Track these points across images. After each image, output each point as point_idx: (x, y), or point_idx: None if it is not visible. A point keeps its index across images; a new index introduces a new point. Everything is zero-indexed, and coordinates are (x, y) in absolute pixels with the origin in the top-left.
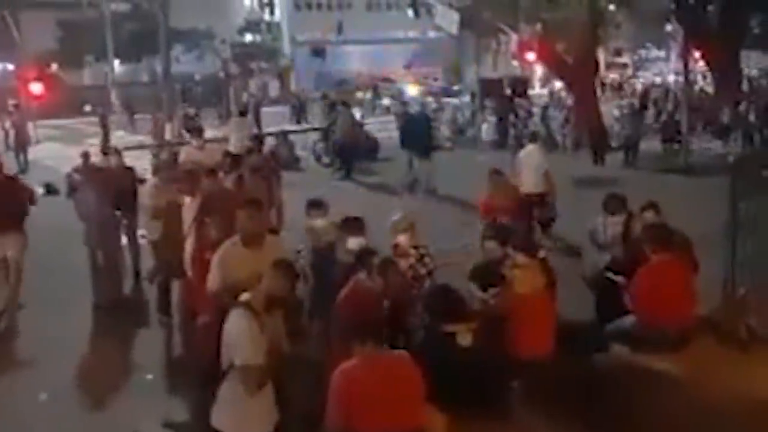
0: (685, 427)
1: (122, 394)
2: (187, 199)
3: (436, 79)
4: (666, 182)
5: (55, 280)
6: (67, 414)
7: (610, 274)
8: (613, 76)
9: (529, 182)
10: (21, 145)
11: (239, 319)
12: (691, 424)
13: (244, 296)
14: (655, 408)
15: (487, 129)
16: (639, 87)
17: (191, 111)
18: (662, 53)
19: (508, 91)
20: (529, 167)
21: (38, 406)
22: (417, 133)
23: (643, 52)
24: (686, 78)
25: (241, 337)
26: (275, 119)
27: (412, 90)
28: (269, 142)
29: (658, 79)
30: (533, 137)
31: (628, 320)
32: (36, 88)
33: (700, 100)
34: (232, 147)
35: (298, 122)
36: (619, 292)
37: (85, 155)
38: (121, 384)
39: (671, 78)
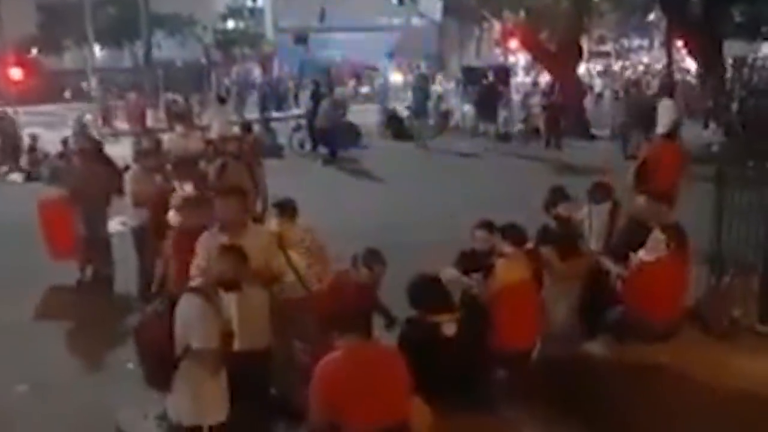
0: (668, 417)
1: (102, 383)
2: (186, 187)
3: (418, 67)
4: None
5: (31, 267)
6: (47, 405)
7: (607, 263)
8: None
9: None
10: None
11: (193, 304)
12: (674, 415)
13: (195, 281)
14: (638, 398)
15: (469, 117)
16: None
17: (175, 97)
18: (645, 42)
19: (491, 79)
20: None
21: (16, 397)
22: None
23: (626, 41)
24: (669, 67)
25: (197, 320)
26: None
27: (396, 78)
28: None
29: (640, 67)
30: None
31: (616, 311)
32: (15, 73)
33: (684, 89)
34: (214, 134)
35: (280, 109)
36: (605, 281)
37: (65, 141)
38: (101, 373)
39: (654, 67)
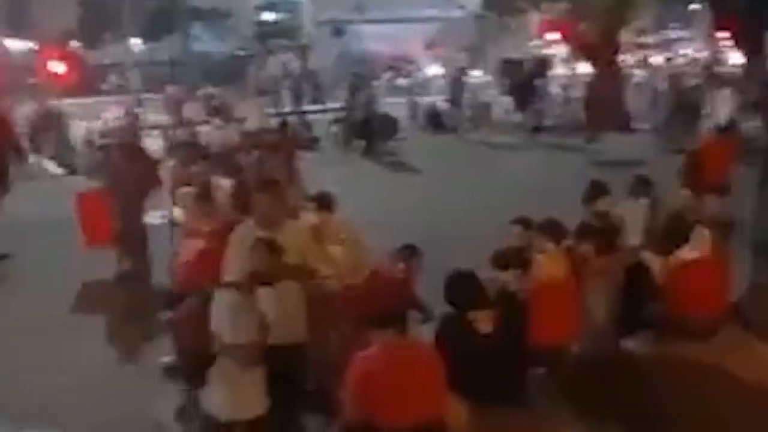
0: (708, 415)
1: (139, 375)
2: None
3: (457, 59)
4: None
5: (70, 261)
6: (86, 396)
7: (649, 259)
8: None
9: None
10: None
11: (226, 298)
12: (715, 414)
13: (229, 276)
14: (679, 396)
15: (508, 109)
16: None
17: (212, 90)
18: (687, 33)
19: (529, 71)
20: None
21: (57, 389)
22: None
23: (667, 32)
24: (712, 58)
25: (229, 315)
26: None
27: (434, 70)
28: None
29: (682, 59)
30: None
31: (657, 307)
32: (58, 67)
33: (728, 80)
34: (251, 127)
35: (317, 102)
36: (646, 277)
37: (103, 134)
38: (138, 366)
39: (696, 58)
